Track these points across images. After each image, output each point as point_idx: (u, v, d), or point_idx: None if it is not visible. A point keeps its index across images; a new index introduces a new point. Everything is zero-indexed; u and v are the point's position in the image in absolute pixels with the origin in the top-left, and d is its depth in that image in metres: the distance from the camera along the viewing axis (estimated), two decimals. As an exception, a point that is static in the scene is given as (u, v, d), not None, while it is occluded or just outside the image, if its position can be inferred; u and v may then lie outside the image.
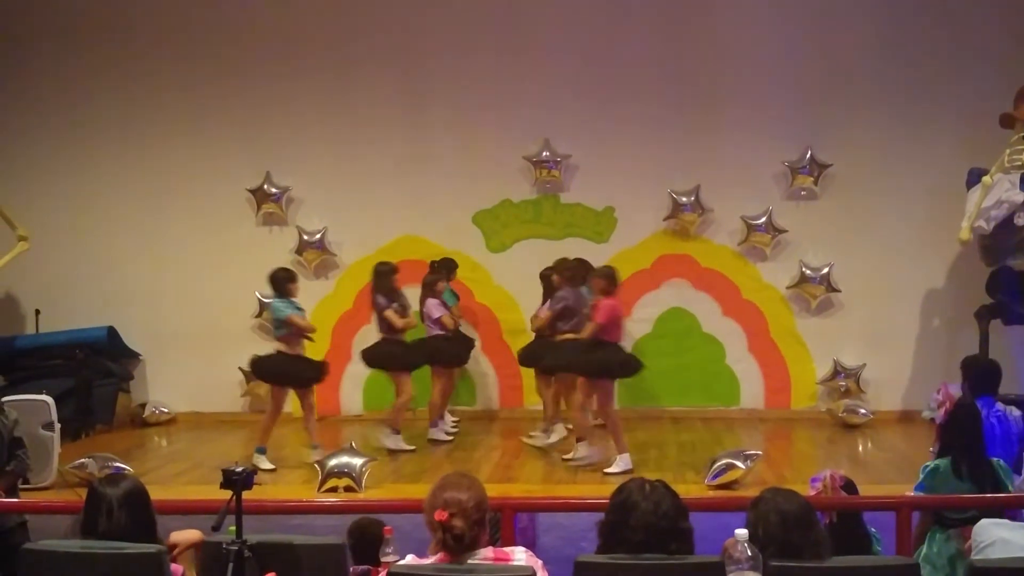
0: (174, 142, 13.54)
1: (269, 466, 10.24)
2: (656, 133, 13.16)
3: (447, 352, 11.61)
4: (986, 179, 11.37)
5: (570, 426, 11.91)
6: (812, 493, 5.77)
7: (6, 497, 6.68)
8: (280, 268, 10.87)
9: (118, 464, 9.43)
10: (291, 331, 10.45)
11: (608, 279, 10.24)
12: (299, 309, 10.59)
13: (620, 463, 10.00)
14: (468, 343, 12.25)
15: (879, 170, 12.95)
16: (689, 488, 8.45)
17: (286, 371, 10.52)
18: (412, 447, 11.13)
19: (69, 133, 13.62)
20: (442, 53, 13.37)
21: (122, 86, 13.53)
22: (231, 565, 4.44)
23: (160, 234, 13.53)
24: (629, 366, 10.48)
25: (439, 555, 4.21)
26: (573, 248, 12.80)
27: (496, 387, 13.34)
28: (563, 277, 11.13)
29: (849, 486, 5.89)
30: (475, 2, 13.48)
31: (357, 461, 9.29)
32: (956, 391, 8.83)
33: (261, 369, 10.81)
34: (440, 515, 4.16)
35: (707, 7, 13.30)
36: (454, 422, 12.33)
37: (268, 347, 13.36)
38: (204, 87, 13.52)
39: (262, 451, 10.40)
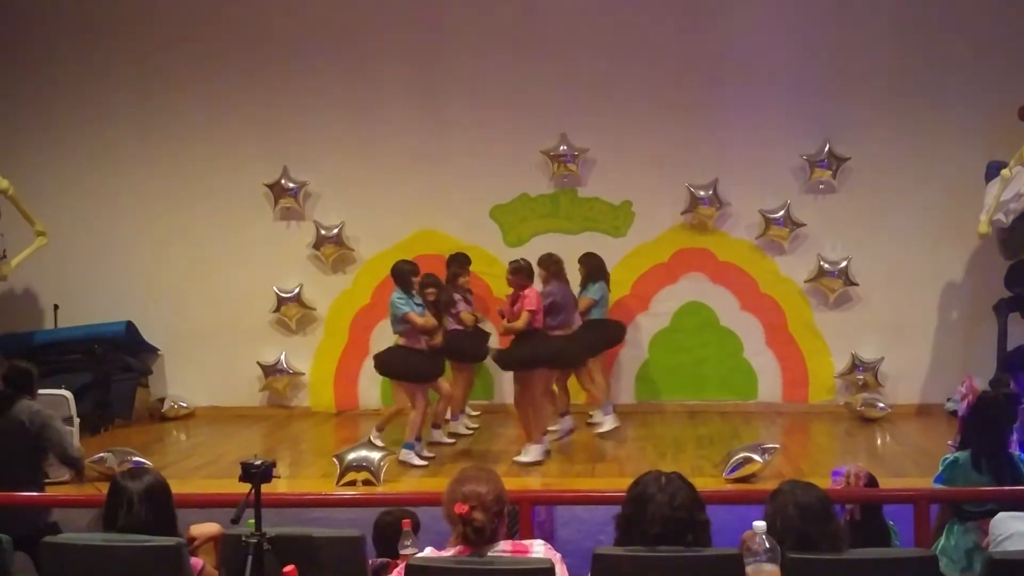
0: (192, 137, 13.57)
1: (420, 462, 10.08)
2: (673, 126, 13.10)
3: (469, 348, 11.51)
4: (1005, 172, 11.33)
5: (590, 416, 11.97)
6: (834, 486, 5.77)
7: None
8: (403, 261, 10.60)
9: (137, 458, 9.41)
10: (409, 328, 10.18)
11: (525, 273, 10.30)
12: (419, 305, 10.27)
13: (532, 452, 10.02)
14: (486, 338, 12.15)
15: (897, 163, 12.89)
16: (707, 482, 8.44)
17: (409, 365, 10.24)
18: (452, 440, 11.06)
19: (88, 129, 13.66)
20: (458, 48, 13.35)
21: (140, 82, 13.57)
22: (251, 557, 4.47)
23: (178, 229, 13.55)
24: (561, 356, 10.46)
25: (458, 548, 4.23)
26: (590, 242, 12.81)
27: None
28: (548, 272, 10.99)
29: (872, 483, 5.88)
30: (491, -3, 13.50)
31: (375, 455, 9.29)
32: (980, 384, 8.83)
33: (384, 365, 10.51)
34: (460, 508, 4.17)
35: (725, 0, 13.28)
36: (474, 415, 12.32)
37: (284, 342, 13.52)
38: (222, 82, 13.54)
39: (410, 447, 10.10)
